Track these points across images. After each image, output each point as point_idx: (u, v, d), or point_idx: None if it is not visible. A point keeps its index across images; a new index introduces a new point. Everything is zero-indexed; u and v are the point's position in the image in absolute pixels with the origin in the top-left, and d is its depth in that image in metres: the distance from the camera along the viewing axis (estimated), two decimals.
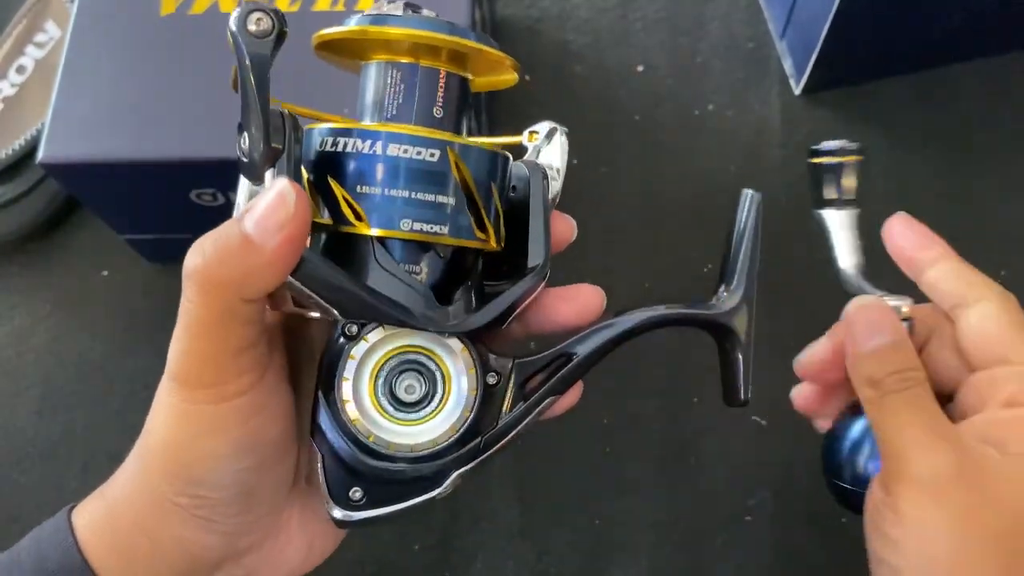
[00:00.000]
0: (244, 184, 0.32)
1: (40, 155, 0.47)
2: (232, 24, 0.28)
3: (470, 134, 0.41)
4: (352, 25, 0.30)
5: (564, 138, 0.34)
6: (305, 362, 0.34)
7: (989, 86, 0.61)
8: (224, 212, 0.36)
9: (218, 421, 0.29)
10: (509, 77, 0.33)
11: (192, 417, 0.29)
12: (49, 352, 0.57)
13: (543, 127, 0.34)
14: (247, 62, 0.28)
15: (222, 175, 0.46)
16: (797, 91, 0.61)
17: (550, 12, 0.65)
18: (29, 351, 0.57)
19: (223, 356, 0.28)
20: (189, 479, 0.29)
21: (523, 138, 0.35)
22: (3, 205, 0.58)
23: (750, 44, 0.63)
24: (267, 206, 0.27)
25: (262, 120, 0.28)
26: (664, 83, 0.62)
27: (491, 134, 0.58)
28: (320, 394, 0.31)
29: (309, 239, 0.30)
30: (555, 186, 0.33)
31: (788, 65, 0.62)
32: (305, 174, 0.30)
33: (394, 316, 0.30)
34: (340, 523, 0.31)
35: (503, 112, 0.61)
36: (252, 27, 0.28)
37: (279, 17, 0.29)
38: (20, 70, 0.59)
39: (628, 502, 0.51)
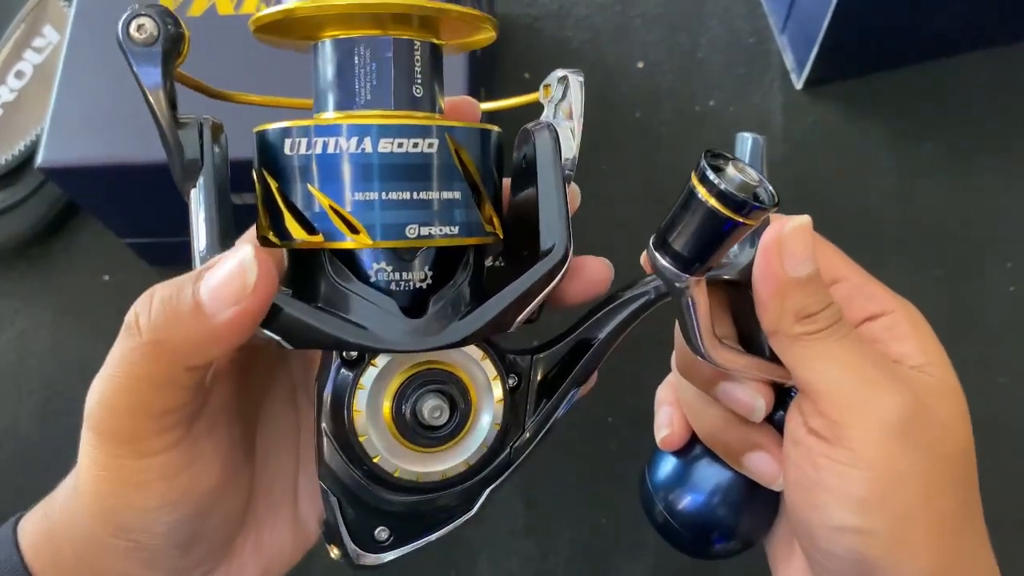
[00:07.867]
0: (195, 209, 0.26)
1: (39, 159, 0.47)
2: (117, 33, 0.24)
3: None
4: None
5: (579, 84, 0.28)
6: (260, 378, 0.31)
7: (992, 76, 0.61)
8: None
9: (141, 475, 0.26)
10: (484, 36, 0.28)
11: (114, 470, 0.26)
12: (52, 356, 0.57)
13: (554, 77, 0.29)
14: (137, 75, 0.25)
15: None
16: (799, 85, 0.61)
17: (549, 9, 0.65)
18: (31, 356, 0.57)
19: (143, 416, 0.25)
20: (119, 525, 0.26)
21: (539, 95, 0.29)
22: (4, 210, 0.58)
23: (751, 39, 0.63)
24: (226, 274, 0.24)
25: (169, 135, 0.25)
26: (665, 79, 0.62)
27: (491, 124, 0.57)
28: (326, 431, 0.27)
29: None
30: (571, 147, 0.28)
31: (789, 59, 0.61)
32: (273, 184, 0.25)
33: (380, 348, 0.25)
34: (367, 568, 0.28)
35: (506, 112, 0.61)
36: (135, 34, 0.24)
37: (165, 20, 0.24)
38: (19, 75, 0.59)
39: (633, 499, 0.51)
